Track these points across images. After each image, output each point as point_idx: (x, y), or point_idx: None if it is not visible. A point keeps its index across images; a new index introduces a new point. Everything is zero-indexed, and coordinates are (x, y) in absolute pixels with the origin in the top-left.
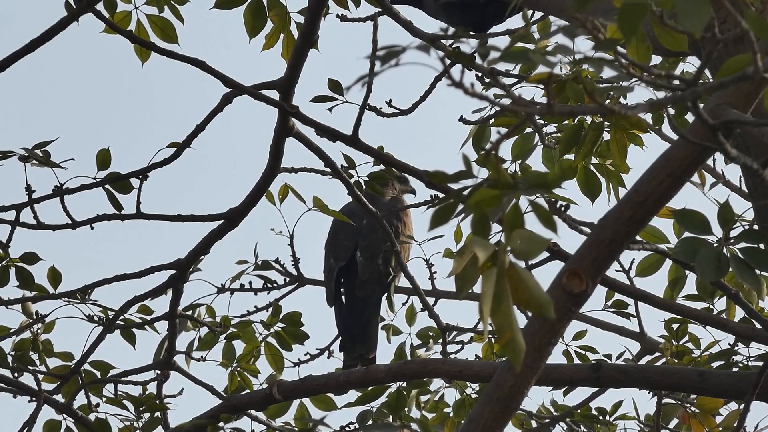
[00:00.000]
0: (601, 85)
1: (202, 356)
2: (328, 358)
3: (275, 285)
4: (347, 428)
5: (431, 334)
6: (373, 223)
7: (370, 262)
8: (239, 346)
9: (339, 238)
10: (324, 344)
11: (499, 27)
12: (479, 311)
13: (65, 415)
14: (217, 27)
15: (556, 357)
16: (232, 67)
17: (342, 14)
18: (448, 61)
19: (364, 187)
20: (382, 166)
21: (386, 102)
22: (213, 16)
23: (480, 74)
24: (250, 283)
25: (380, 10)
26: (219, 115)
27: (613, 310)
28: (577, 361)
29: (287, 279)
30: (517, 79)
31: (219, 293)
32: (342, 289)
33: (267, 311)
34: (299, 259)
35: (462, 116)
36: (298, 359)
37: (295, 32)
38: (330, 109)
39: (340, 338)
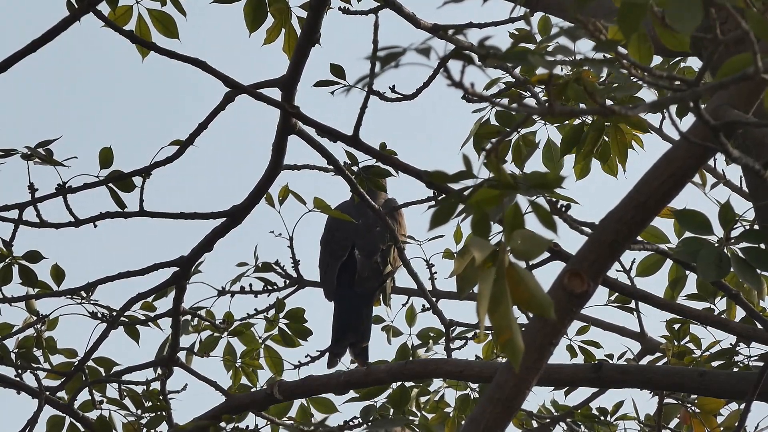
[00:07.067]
0: (602, 86)
1: (206, 353)
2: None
3: (275, 287)
4: (351, 422)
5: (432, 334)
6: (369, 222)
7: (368, 260)
8: (239, 349)
9: (335, 234)
10: (324, 346)
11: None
12: (476, 312)
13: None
14: (220, 19)
15: (559, 351)
16: (235, 59)
17: (344, 7)
18: (449, 53)
19: (366, 184)
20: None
21: (389, 87)
22: (215, 9)
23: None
24: (251, 285)
25: (383, 2)
26: (221, 112)
27: (616, 305)
28: (580, 356)
29: (287, 281)
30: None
31: (219, 296)
32: (339, 285)
33: (267, 313)
34: (299, 261)
35: (465, 94)
36: (299, 361)
37: (297, 26)
38: (332, 92)
39: (334, 331)
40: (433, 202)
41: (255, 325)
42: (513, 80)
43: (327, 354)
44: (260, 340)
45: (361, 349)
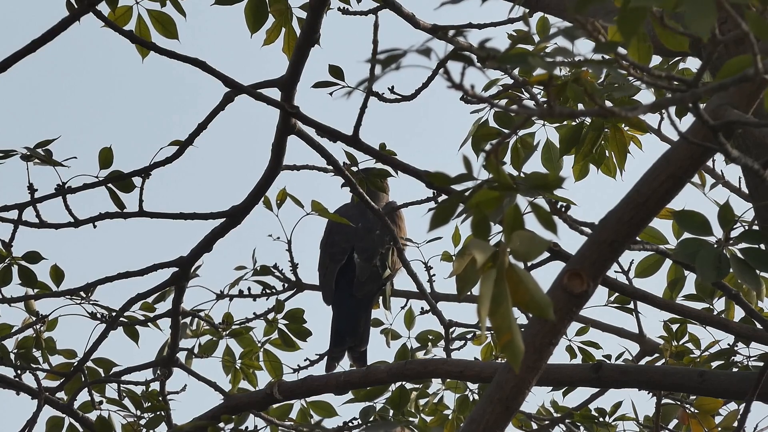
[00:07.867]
0: (602, 87)
1: (205, 354)
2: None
3: (274, 291)
4: (350, 424)
5: (430, 337)
6: (368, 225)
7: (367, 264)
8: (239, 352)
9: (335, 238)
10: (323, 349)
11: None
12: (477, 313)
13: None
14: (220, 20)
15: (559, 353)
16: (235, 60)
17: (344, 8)
18: (448, 54)
19: (366, 184)
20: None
21: (388, 88)
22: (215, 10)
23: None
24: (249, 289)
25: (382, 2)
26: (221, 112)
27: (615, 305)
28: (580, 356)
29: (286, 285)
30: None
31: (218, 299)
32: (338, 289)
33: (266, 317)
34: (297, 264)
35: (464, 96)
36: (298, 365)
37: (297, 27)
38: (331, 94)
39: (332, 335)
40: (433, 203)
41: (254, 329)
42: (512, 81)
43: (326, 358)
44: (259, 344)
45: (360, 353)
